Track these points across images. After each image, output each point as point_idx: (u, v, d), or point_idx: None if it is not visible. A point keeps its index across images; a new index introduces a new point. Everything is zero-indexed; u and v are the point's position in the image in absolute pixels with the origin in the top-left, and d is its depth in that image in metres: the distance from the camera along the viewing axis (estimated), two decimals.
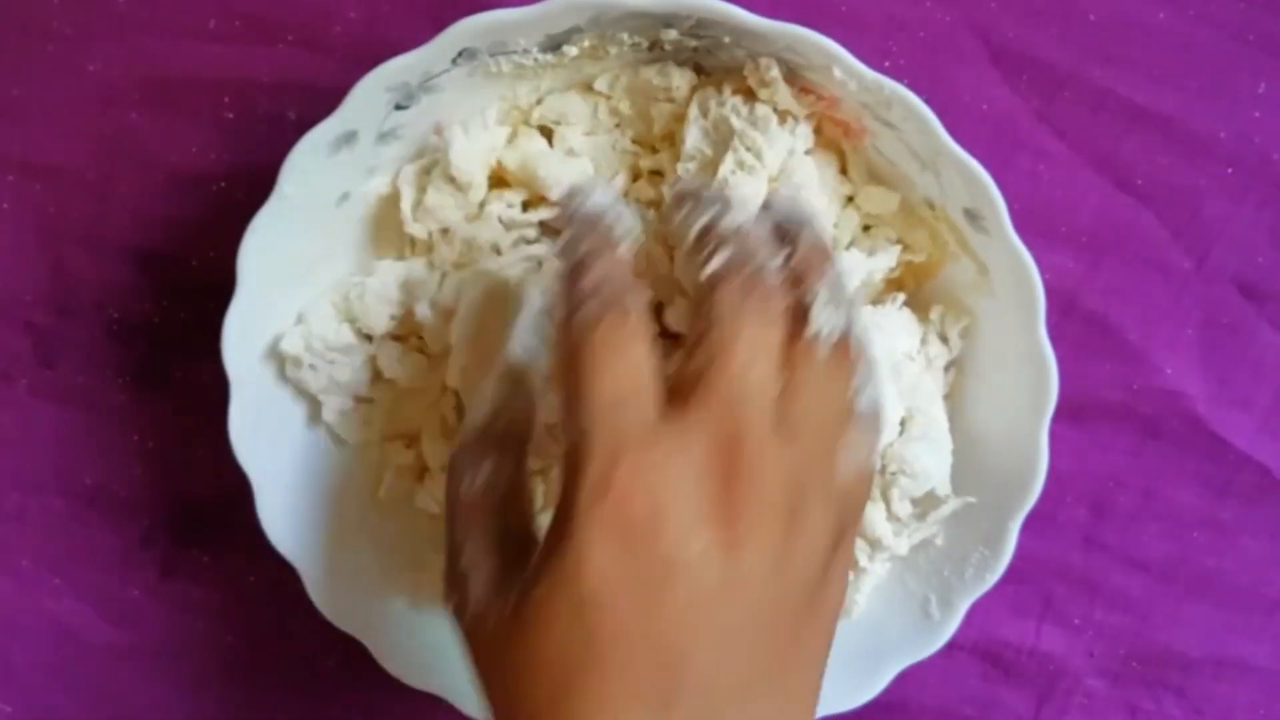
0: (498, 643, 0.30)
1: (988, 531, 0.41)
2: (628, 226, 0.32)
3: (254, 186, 0.38)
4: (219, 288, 0.39)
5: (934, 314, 0.41)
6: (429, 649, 0.42)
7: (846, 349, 0.31)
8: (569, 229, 0.31)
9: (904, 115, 0.36)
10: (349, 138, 0.37)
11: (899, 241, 0.41)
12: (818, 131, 0.39)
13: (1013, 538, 0.40)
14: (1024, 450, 0.39)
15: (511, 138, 0.40)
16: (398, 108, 0.38)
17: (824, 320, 0.31)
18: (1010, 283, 0.38)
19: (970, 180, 0.36)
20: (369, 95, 0.36)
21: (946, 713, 0.48)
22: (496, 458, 0.32)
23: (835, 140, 0.40)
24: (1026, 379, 0.39)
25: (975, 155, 0.36)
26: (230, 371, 0.39)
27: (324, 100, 0.37)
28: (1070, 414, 0.45)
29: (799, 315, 0.31)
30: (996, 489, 0.40)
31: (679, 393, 0.30)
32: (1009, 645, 0.48)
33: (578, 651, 0.28)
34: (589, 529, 0.28)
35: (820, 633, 0.31)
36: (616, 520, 0.28)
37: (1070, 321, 0.45)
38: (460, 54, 0.36)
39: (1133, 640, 0.48)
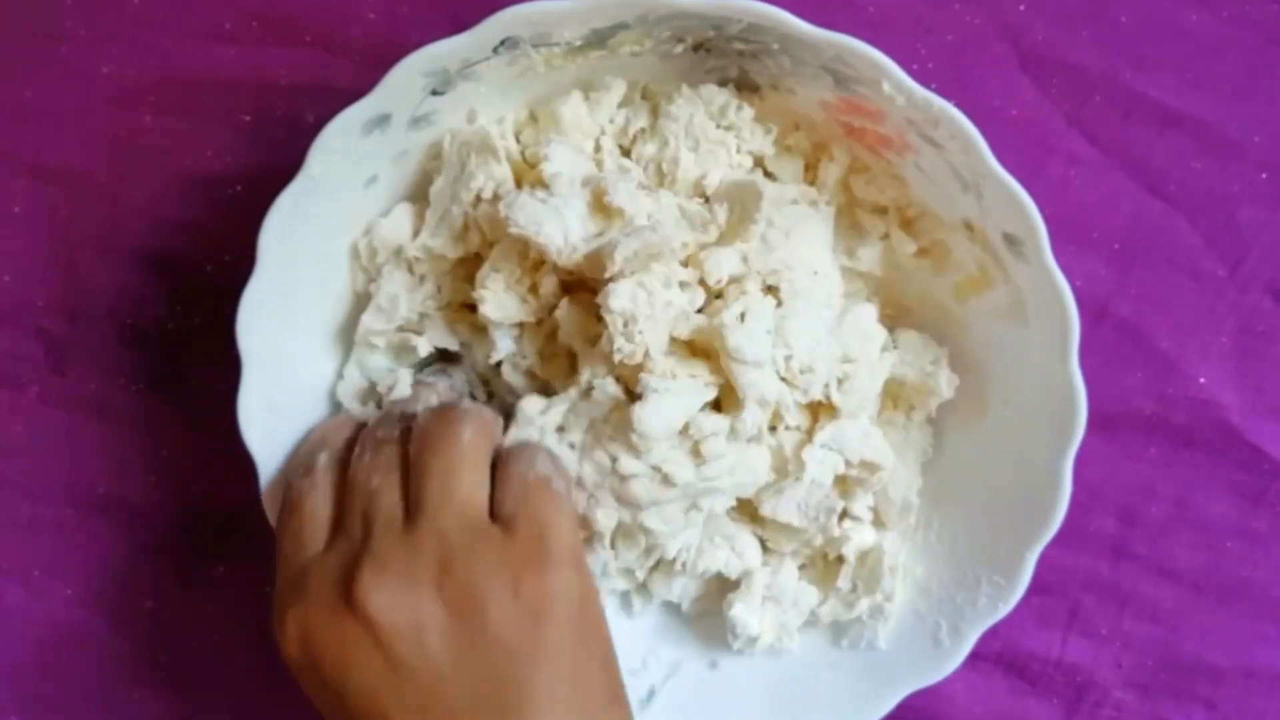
0: None
1: (1003, 560, 0.40)
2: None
3: (270, 190, 0.37)
4: (234, 292, 0.38)
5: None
6: None
7: (451, 410, 0.37)
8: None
9: (950, 134, 0.35)
10: (382, 120, 0.37)
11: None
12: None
13: (1029, 568, 0.40)
14: (1046, 481, 0.39)
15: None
16: (434, 93, 0.37)
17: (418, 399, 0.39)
18: (1045, 311, 0.37)
19: (1013, 206, 0.36)
20: (407, 78, 0.36)
21: None
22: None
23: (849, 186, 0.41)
24: (1054, 410, 0.38)
25: (1005, 161, 0.36)
26: (243, 349, 0.38)
27: (342, 102, 0.36)
28: (1101, 423, 0.45)
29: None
30: (1015, 517, 0.40)
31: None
32: (1035, 657, 0.47)
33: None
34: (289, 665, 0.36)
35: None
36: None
37: (1102, 329, 0.45)
38: (502, 43, 0.36)
39: (1162, 651, 0.47)
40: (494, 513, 0.35)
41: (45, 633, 0.47)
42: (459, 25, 0.35)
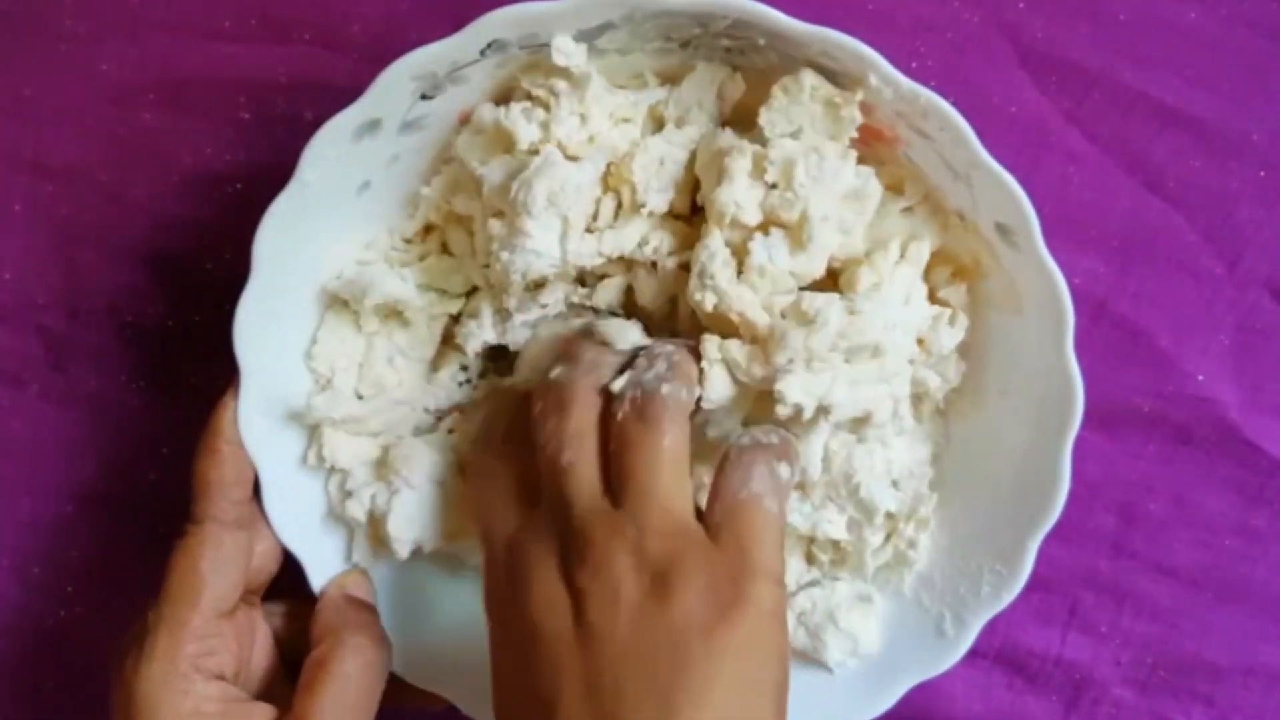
0: None
1: (1005, 549, 0.40)
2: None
3: (270, 188, 0.37)
4: (234, 290, 0.38)
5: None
6: (437, 647, 0.42)
7: (648, 406, 0.36)
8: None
9: (939, 126, 0.35)
10: (372, 125, 0.37)
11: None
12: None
13: (1030, 557, 0.40)
14: (1046, 470, 0.39)
15: None
16: (423, 97, 0.37)
17: (619, 382, 0.36)
18: (1039, 300, 0.38)
19: (1004, 194, 0.36)
20: (395, 83, 0.36)
21: None
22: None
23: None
24: (1052, 398, 0.38)
25: (1004, 158, 0.36)
26: (240, 358, 0.39)
27: (342, 100, 0.36)
28: (1100, 420, 0.45)
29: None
30: (1015, 506, 0.40)
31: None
32: (1034, 654, 0.47)
33: None
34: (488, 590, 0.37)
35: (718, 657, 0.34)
36: (498, 592, 0.37)
37: (1100, 327, 0.45)
38: (490, 45, 0.36)
39: (1161, 649, 0.47)
40: (703, 518, 0.36)
41: (44, 629, 0.47)
42: (458, 23, 0.35)
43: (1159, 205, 0.44)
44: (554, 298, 0.40)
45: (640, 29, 0.37)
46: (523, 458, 0.38)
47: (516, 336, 0.41)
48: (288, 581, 0.41)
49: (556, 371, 0.37)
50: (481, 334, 0.41)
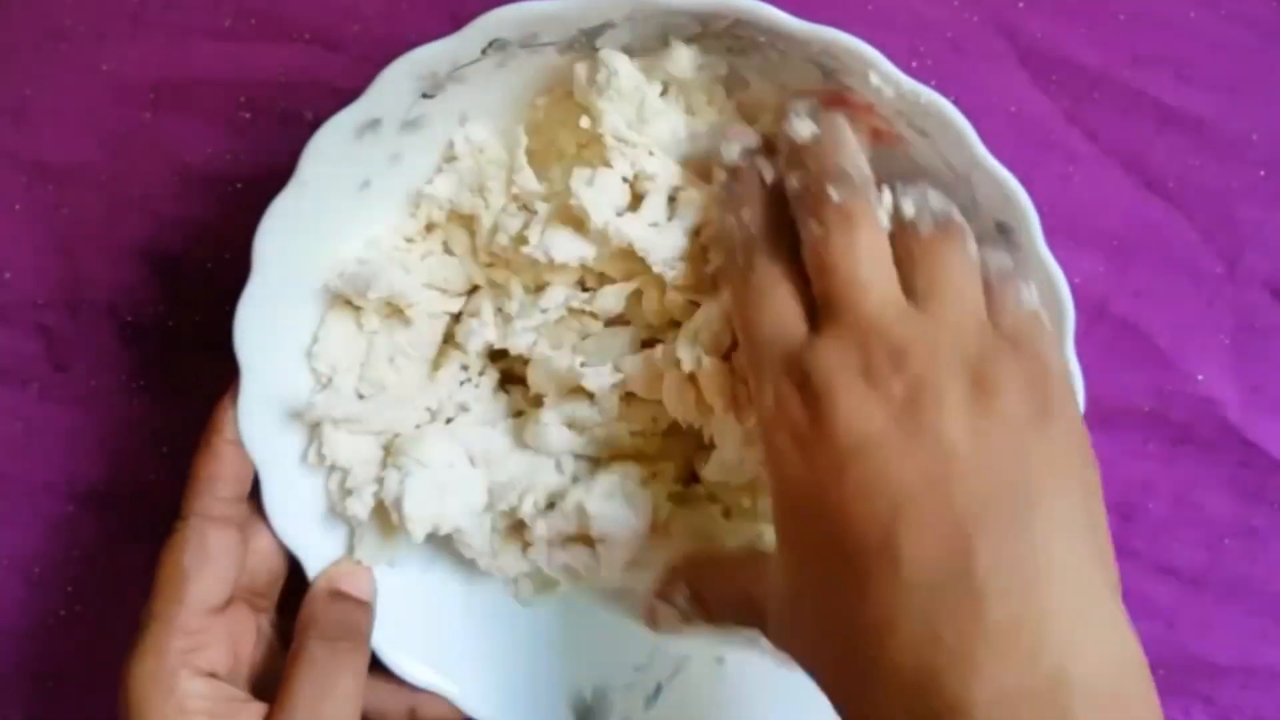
0: None
1: None
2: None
3: (270, 187, 0.37)
4: (234, 290, 0.38)
5: None
6: (435, 645, 0.42)
7: (949, 224, 0.35)
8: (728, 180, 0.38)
9: (940, 125, 0.36)
10: (373, 124, 0.37)
11: None
12: None
13: None
14: None
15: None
16: (424, 96, 0.37)
17: (909, 206, 0.35)
18: (1040, 299, 0.37)
19: (1004, 194, 0.36)
20: (395, 82, 0.36)
21: None
22: None
23: None
24: None
25: (1003, 158, 0.36)
26: (241, 358, 0.39)
27: (342, 100, 0.36)
28: (1100, 420, 0.45)
29: (895, 218, 0.36)
30: None
31: (823, 314, 0.34)
32: None
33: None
34: (773, 442, 0.34)
35: (1071, 476, 0.33)
36: (788, 426, 0.33)
37: (1100, 326, 0.45)
38: (490, 44, 0.36)
39: (1161, 648, 0.47)
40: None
41: (45, 629, 0.47)
42: (458, 22, 0.35)
43: (1159, 205, 0.44)
44: (555, 301, 0.40)
45: (641, 28, 0.37)
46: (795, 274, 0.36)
47: (518, 341, 0.41)
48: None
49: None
50: (483, 332, 0.41)
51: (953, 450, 0.31)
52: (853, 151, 0.36)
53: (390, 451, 0.42)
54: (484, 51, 0.36)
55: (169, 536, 0.39)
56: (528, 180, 0.39)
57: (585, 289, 0.41)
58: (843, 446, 0.32)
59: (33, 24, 0.43)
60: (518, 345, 0.41)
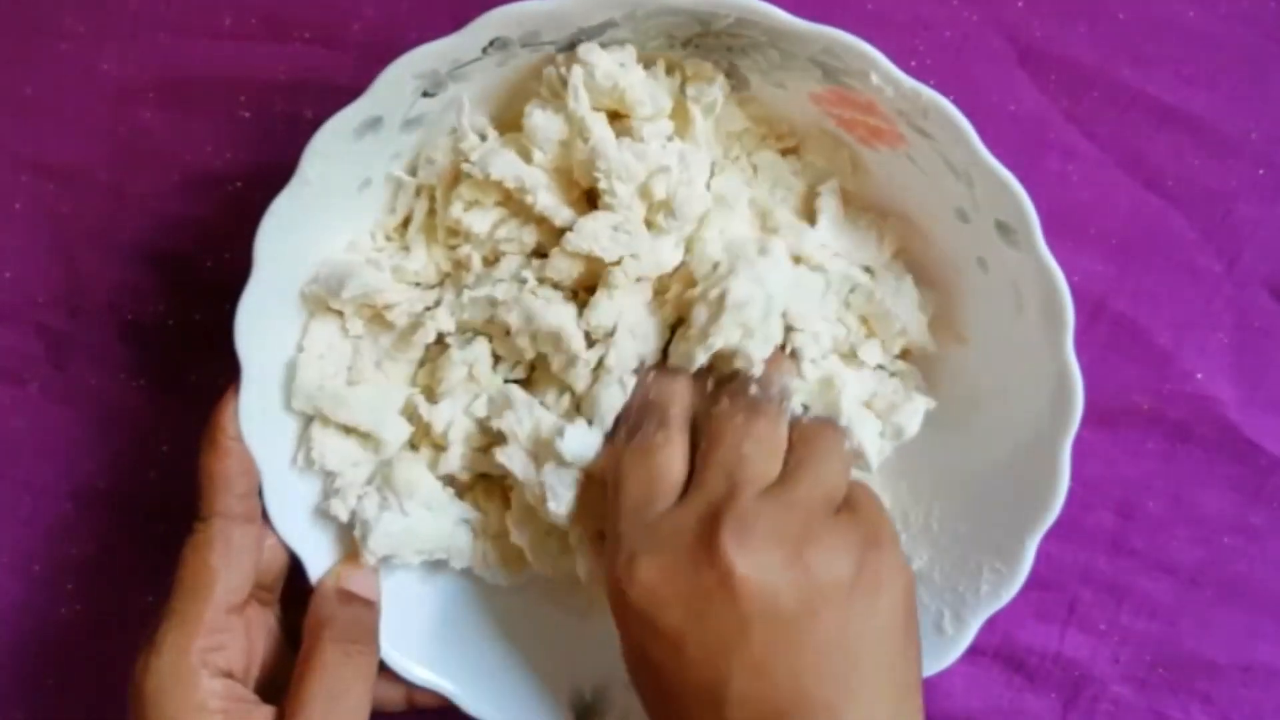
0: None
1: (1004, 547, 0.40)
2: None
3: (270, 186, 0.37)
4: (234, 289, 0.38)
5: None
6: (435, 645, 0.43)
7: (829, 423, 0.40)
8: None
9: (939, 124, 0.36)
10: (374, 123, 0.37)
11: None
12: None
13: (1029, 555, 0.40)
14: (1045, 468, 0.39)
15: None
16: (425, 95, 0.37)
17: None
18: (1039, 299, 0.38)
19: (1004, 193, 0.36)
20: (397, 80, 0.36)
21: (970, 719, 0.48)
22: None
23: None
24: (1051, 397, 0.39)
25: (1002, 156, 0.36)
26: (242, 356, 0.39)
27: (342, 99, 0.36)
28: (1099, 418, 0.45)
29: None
30: (1015, 504, 0.40)
31: (694, 481, 0.38)
32: (1033, 651, 0.47)
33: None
34: (616, 598, 0.36)
35: (888, 633, 0.36)
36: (630, 597, 0.36)
37: (1099, 324, 0.45)
38: (492, 43, 0.36)
39: (1159, 646, 0.47)
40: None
41: (45, 627, 0.47)
42: (458, 22, 0.35)
43: (1158, 203, 0.45)
44: (510, 269, 0.40)
45: (642, 27, 0.37)
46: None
47: (469, 315, 0.40)
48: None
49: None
50: (435, 324, 0.40)
51: (781, 624, 0.35)
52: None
53: (381, 474, 0.42)
54: (485, 50, 0.36)
55: (191, 535, 0.39)
56: (476, 121, 0.39)
57: (542, 256, 0.40)
58: (678, 616, 0.35)
59: (32, 23, 0.43)
60: (467, 319, 0.40)
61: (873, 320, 0.42)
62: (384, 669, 0.42)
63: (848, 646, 0.35)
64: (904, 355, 0.43)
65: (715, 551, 0.35)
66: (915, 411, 0.42)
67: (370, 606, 0.41)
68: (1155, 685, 0.48)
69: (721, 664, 0.34)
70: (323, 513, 0.42)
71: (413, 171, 0.40)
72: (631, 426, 0.39)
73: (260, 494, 0.40)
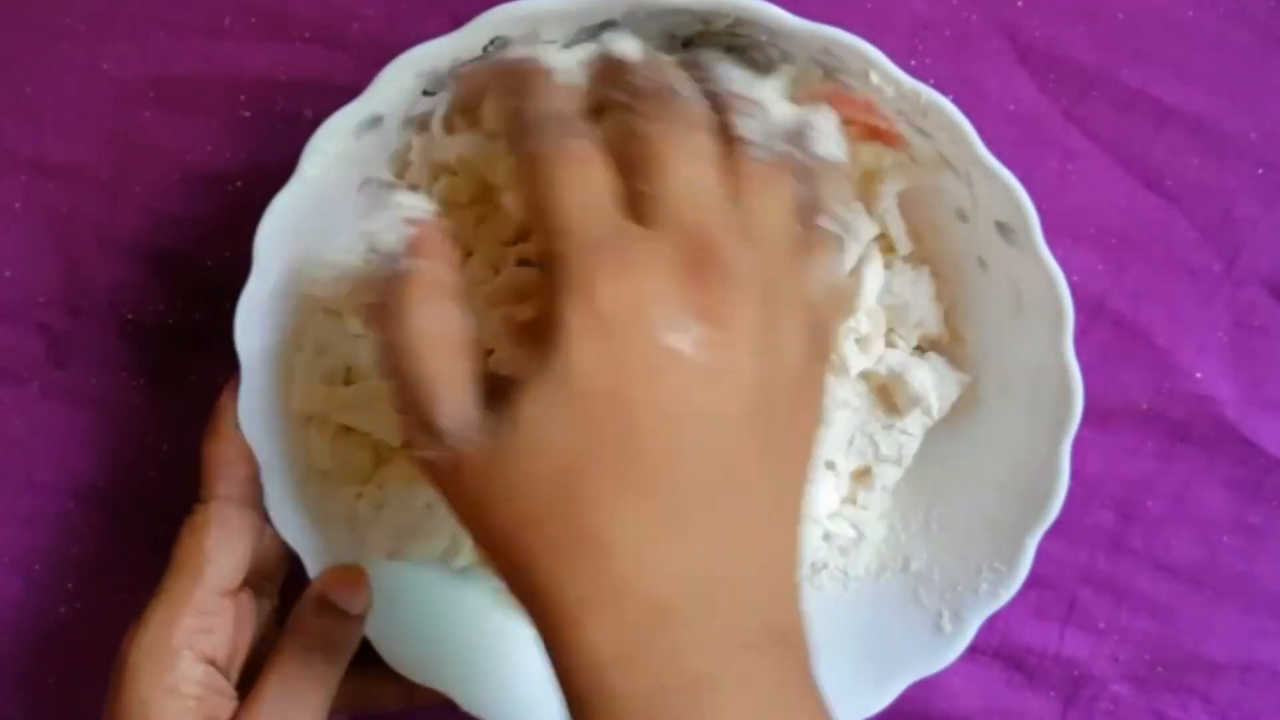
0: (486, 468, 0.30)
1: (1003, 547, 0.40)
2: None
3: (270, 186, 0.37)
4: (234, 288, 0.38)
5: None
6: (436, 645, 0.43)
7: (786, 165, 0.32)
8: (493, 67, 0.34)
9: (939, 123, 0.36)
10: (374, 122, 0.37)
11: None
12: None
13: (1029, 555, 0.40)
14: (1045, 467, 0.39)
15: None
16: (426, 93, 0.37)
17: (751, 131, 0.32)
18: (1039, 298, 0.38)
19: (1003, 192, 0.36)
20: (397, 79, 0.36)
21: (970, 719, 0.48)
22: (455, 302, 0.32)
23: None
24: (1050, 396, 0.39)
25: (1002, 156, 0.36)
26: (242, 355, 0.39)
27: (342, 98, 0.36)
28: (1098, 418, 0.45)
29: (729, 135, 0.32)
30: (1014, 504, 0.40)
31: (636, 212, 0.30)
32: (1033, 650, 0.47)
33: (577, 451, 0.29)
34: (577, 330, 0.29)
35: (803, 436, 0.33)
36: (602, 319, 0.29)
37: (1098, 324, 0.45)
38: (492, 42, 0.36)
39: (1159, 645, 0.47)
40: None
41: (45, 627, 0.47)
42: (458, 21, 0.35)
43: (1157, 203, 0.45)
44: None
45: (642, 26, 0.37)
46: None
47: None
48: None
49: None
50: None
51: (745, 380, 0.30)
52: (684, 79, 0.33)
53: (381, 464, 0.42)
54: (486, 49, 0.36)
55: (190, 517, 0.39)
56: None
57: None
58: (653, 357, 0.29)
59: (33, 23, 0.43)
60: None
61: (890, 311, 0.42)
62: (384, 667, 0.42)
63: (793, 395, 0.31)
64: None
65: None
66: (954, 387, 0.42)
67: (346, 619, 0.40)
68: (1155, 684, 0.48)
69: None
70: (323, 511, 0.42)
71: (399, 175, 0.40)
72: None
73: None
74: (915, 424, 0.42)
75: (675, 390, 0.29)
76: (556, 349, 0.29)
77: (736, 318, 0.30)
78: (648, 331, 0.29)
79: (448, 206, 0.40)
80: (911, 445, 0.42)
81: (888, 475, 0.43)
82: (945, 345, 0.42)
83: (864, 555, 0.44)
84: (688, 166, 0.31)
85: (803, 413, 0.33)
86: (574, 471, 0.29)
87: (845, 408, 0.42)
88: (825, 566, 0.44)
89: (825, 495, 0.43)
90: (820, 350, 0.33)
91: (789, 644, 0.32)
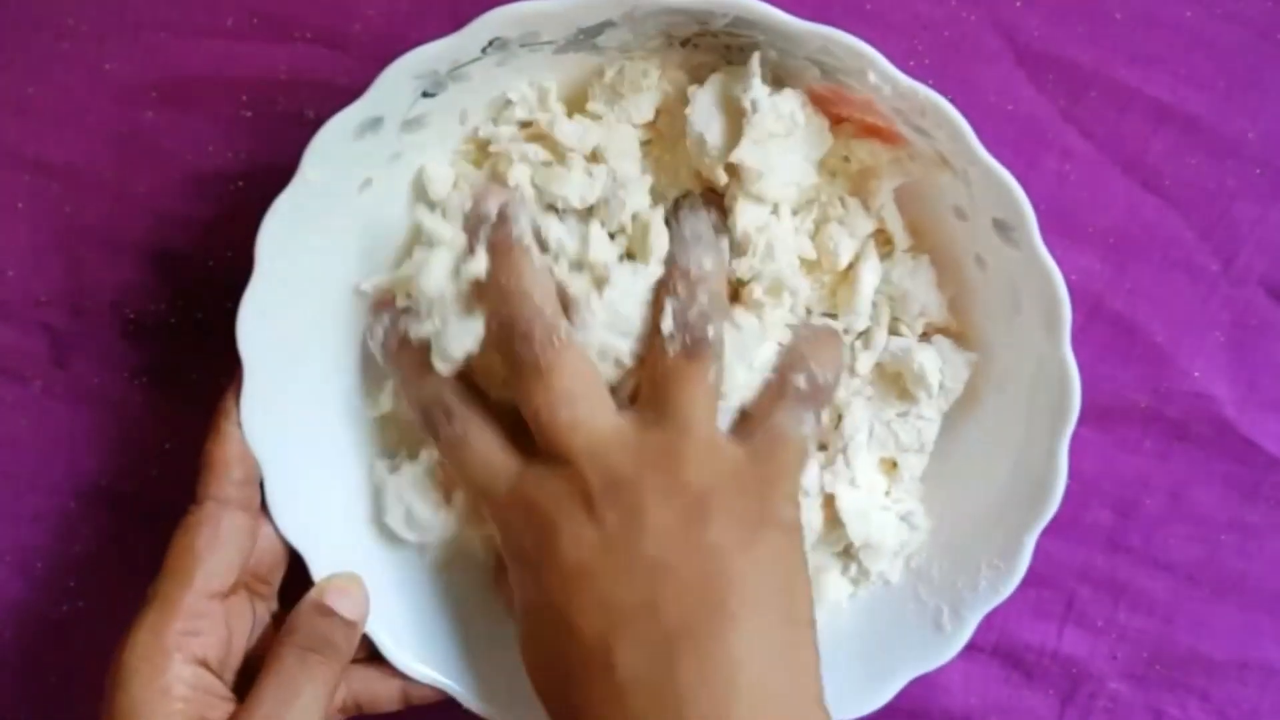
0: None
1: (1002, 544, 0.40)
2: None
3: (272, 186, 0.38)
4: (236, 287, 0.39)
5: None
6: (437, 642, 0.43)
7: (698, 346, 0.37)
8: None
9: (937, 123, 0.36)
10: (374, 123, 0.37)
11: None
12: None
13: (1028, 551, 0.40)
14: (1043, 464, 0.39)
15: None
16: (425, 95, 0.37)
17: (667, 322, 0.37)
18: (1037, 296, 0.38)
19: (1001, 191, 0.36)
20: (396, 81, 0.36)
21: (969, 716, 0.48)
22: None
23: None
24: (1048, 394, 0.39)
25: (1000, 156, 0.36)
26: (244, 356, 0.39)
27: (342, 98, 0.37)
28: (1096, 417, 0.45)
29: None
30: (1013, 501, 0.40)
31: (540, 442, 0.38)
32: (1031, 648, 0.47)
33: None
34: (511, 566, 0.39)
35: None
36: (522, 554, 0.39)
37: (1096, 323, 0.45)
38: (491, 43, 0.36)
39: (1157, 643, 0.47)
40: (737, 434, 0.38)
41: (47, 624, 0.47)
42: (458, 22, 0.36)
43: (1155, 202, 0.45)
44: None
45: (640, 27, 0.37)
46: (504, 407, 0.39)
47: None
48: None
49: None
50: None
51: (664, 573, 0.35)
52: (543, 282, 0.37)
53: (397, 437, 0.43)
54: (484, 50, 0.37)
55: (183, 518, 0.39)
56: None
57: None
58: (568, 572, 0.36)
59: (35, 23, 0.44)
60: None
61: (893, 302, 0.42)
62: (381, 665, 0.42)
63: (725, 574, 0.36)
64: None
65: (595, 513, 0.36)
66: (963, 366, 0.42)
67: (345, 624, 0.40)
68: (1152, 682, 0.48)
69: (611, 625, 0.36)
70: (324, 510, 0.42)
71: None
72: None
73: (261, 488, 0.40)
74: (931, 408, 0.42)
75: (594, 594, 0.36)
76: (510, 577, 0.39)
77: (632, 520, 0.36)
78: (557, 551, 0.37)
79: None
80: (931, 430, 0.42)
81: (913, 463, 0.43)
82: (953, 332, 0.42)
83: (915, 543, 0.43)
84: (574, 403, 0.37)
85: (762, 569, 0.37)
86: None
87: (859, 398, 0.42)
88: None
89: (870, 492, 0.43)
90: (760, 511, 0.37)
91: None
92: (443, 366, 0.38)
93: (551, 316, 0.37)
